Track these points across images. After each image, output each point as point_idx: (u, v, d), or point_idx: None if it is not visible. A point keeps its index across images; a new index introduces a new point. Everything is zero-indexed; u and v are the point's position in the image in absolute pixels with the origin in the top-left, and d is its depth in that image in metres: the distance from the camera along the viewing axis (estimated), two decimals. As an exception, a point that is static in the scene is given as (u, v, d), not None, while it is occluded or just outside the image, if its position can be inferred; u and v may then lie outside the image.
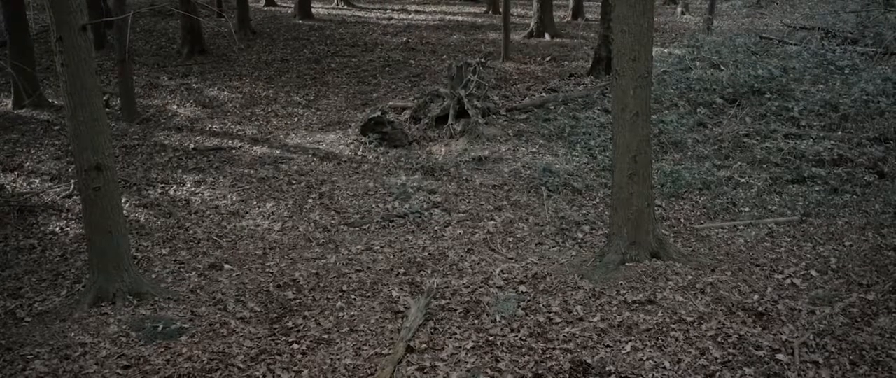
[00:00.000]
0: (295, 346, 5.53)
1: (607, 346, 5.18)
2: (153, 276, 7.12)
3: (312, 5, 22.37)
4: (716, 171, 9.15)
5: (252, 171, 10.03)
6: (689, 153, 9.77)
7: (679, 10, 21.77)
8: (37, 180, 9.70)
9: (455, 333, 5.56)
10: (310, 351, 5.45)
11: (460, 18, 22.01)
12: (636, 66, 6.06)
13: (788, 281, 6.09)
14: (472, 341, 5.41)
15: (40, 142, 11.15)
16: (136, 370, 5.21)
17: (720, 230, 7.60)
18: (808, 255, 6.68)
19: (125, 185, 9.36)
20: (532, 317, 5.67)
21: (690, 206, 8.40)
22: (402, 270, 6.89)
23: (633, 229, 6.40)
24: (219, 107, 13.15)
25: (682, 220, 7.99)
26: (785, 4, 21.85)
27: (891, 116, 10.02)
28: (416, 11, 23.15)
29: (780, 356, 4.92)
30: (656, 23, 16.95)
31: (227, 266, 7.31)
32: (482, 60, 12.83)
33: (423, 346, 5.39)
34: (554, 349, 5.20)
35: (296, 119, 12.51)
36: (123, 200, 8.43)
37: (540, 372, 4.95)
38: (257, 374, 5.13)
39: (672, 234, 7.53)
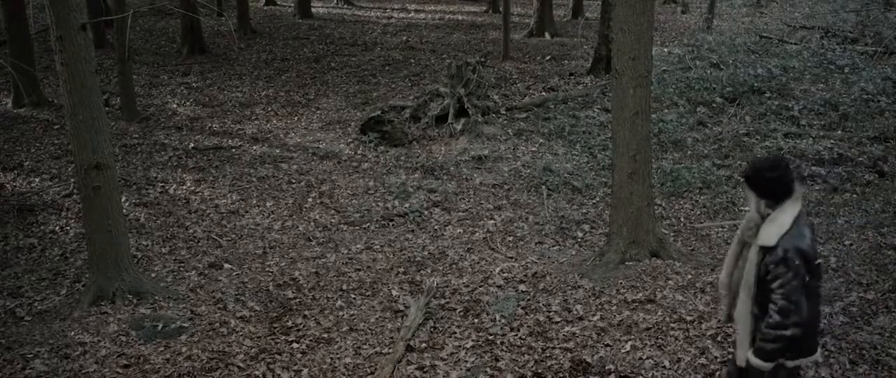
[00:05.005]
0: (295, 345, 5.53)
1: (607, 345, 5.18)
2: (153, 275, 7.11)
3: (312, 4, 22.37)
4: (716, 170, 9.15)
5: (252, 171, 10.03)
6: (689, 152, 9.77)
7: (679, 9, 21.76)
8: (36, 179, 9.70)
9: (455, 332, 5.56)
10: (309, 350, 5.45)
11: (460, 17, 22.01)
12: (636, 65, 6.06)
13: (788, 280, 6.08)
14: (472, 340, 5.40)
15: (40, 141, 11.15)
16: (136, 369, 5.21)
17: (720, 229, 7.60)
18: (808, 255, 6.67)
19: (125, 184, 9.36)
20: (532, 316, 5.67)
21: (690, 205, 8.40)
22: (401, 269, 6.89)
23: (632, 228, 6.40)
24: (219, 106, 13.14)
25: (682, 220, 7.99)
26: (785, 3, 21.84)
27: (891, 116, 10.02)
28: (416, 10, 23.15)
29: (779, 355, 4.92)
30: (656, 22, 16.93)
31: (226, 265, 7.31)
32: (482, 59, 12.82)
33: (423, 345, 5.39)
34: (554, 348, 5.20)
35: (295, 118, 12.50)
36: (123, 199, 8.42)
37: (540, 371, 4.95)
38: (257, 373, 5.13)
39: (672, 233, 7.53)
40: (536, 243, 7.52)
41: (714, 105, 11.15)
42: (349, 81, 14.68)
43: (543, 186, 9.03)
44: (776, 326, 3.40)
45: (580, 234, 7.72)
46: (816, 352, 3.63)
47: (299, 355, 5.37)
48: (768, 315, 3.44)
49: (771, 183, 3.46)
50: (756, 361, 3.54)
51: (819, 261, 3.45)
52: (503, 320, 5.64)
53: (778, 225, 3.43)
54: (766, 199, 3.50)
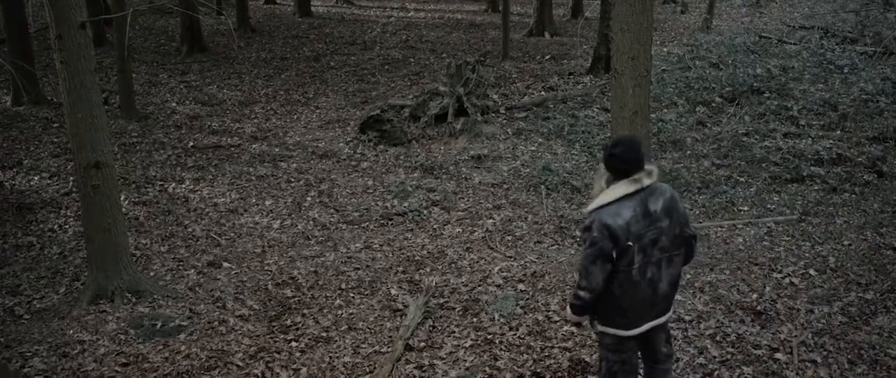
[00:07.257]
0: (293, 344, 5.53)
1: (606, 344, 5.18)
2: (152, 273, 7.11)
3: (312, 3, 22.36)
4: (715, 170, 9.15)
5: (251, 169, 10.03)
6: (688, 152, 9.76)
7: (678, 9, 21.76)
8: (36, 177, 9.69)
9: (454, 332, 5.56)
10: (308, 349, 5.45)
11: (460, 17, 22.01)
12: (635, 64, 6.06)
13: (787, 280, 6.09)
14: (471, 340, 5.41)
15: (39, 139, 11.14)
16: (135, 368, 5.21)
17: (719, 229, 7.60)
18: (807, 255, 6.68)
19: (124, 183, 9.35)
20: (531, 315, 5.67)
21: (689, 204, 8.40)
22: (400, 268, 6.89)
23: (631, 228, 6.39)
24: (218, 105, 13.14)
25: (681, 219, 7.98)
26: (784, 3, 21.84)
27: (890, 116, 10.02)
28: (416, 9, 23.15)
29: (778, 355, 4.93)
30: (655, 21, 16.95)
31: (225, 264, 7.31)
32: (481, 59, 12.82)
33: (422, 344, 5.39)
34: (552, 348, 5.20)
35: (295, 117, 12.50)
36: (122, 198, 8.42)
37: (538, 370, 4.95)
38: (256, 371, 5.13)
39: (671, 233, 7.51)
40: (535, 243, 7.52)
41: (713, 105, 11.16)
42: (348, 80, 14.68)
43: (542, 186, 9.03)
44: (575, 286, 3.70)
45: (579, 234, 7.72)
46: (634, 330, 3.75)
47: (298, 354, 5.37)
48: None
49: (612, 157, 3.57)
50: (566, 309, 3.94)
51: (630, 243, 3.49)
52: (502, 320, 5.64)
53: (601, 197, 3.58)
54: (609, 172, 3.62)
